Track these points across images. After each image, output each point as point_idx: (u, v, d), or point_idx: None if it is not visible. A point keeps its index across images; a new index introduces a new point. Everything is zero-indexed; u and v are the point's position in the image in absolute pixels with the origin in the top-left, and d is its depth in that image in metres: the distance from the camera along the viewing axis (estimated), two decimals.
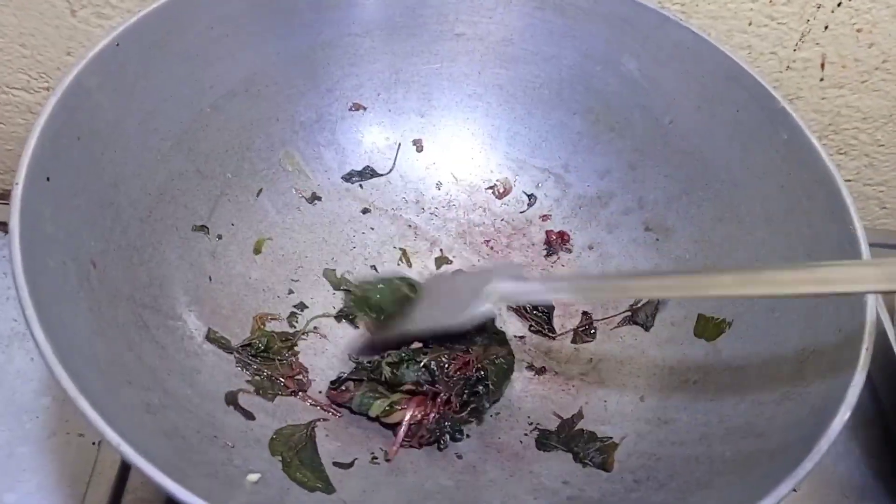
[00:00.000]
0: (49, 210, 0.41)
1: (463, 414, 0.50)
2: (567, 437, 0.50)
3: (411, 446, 0.49)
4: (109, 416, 0.33)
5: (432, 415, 0.49)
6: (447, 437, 0.50)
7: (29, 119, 0.78)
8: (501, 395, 0.53)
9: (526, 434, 0.51)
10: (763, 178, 0.52)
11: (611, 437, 0.50)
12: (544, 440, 0.50)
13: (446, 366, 0.50)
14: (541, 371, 0.55)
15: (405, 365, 0.50)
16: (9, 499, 0.53)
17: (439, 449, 0.50)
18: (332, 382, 0.52)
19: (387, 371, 0.50)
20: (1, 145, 0.80)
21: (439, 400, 0.49)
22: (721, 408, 0.47)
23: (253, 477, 0.42)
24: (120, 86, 0.48)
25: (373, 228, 0.61)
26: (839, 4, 0.68)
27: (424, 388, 0.49)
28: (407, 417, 0.49)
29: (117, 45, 0.47)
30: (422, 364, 0.50)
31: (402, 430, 0.49)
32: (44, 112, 0.42)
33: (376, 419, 0.50)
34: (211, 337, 0.50)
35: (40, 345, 0.34)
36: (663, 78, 0.58)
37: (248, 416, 0.47)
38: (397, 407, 0.49)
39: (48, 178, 0.41)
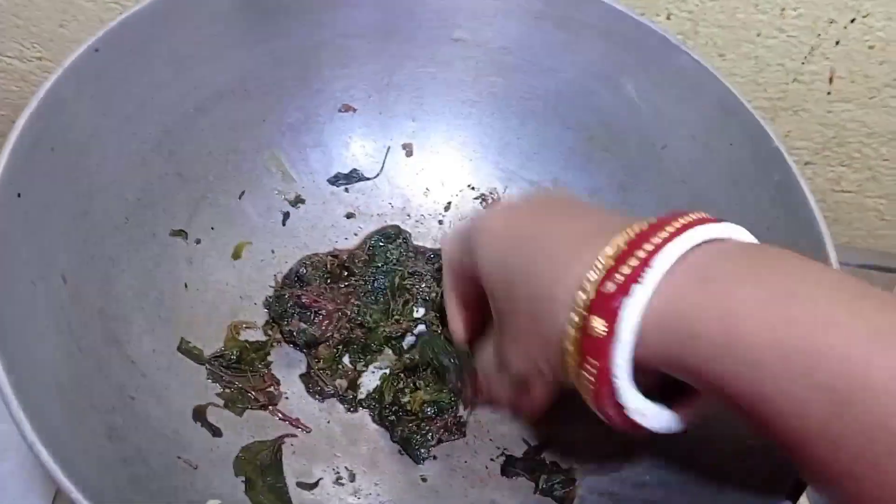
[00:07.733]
0: (19, 230, 0.40)
1: None
2: (532, 465, 0.50)
3: None
4: (67, 458, 0.34)
5: None
6: None
7: (22, 87, 0.77)
8: None
9: (492, 459, 0.51)
10: (752, 216, 0.51)
11: (575, 469, 0.50)
12: (510, 467, 0.51)
13: None
14: None
15: None
16: None
17: None
18: None
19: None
20: None
21: None
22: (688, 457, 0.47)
23: (212, 503, 0.42)
24: (98, 92, 0.46)
25: (356, 234, 0.60)
26: (853, 21, 0.66)
27: None
28: None
29: (96, 50, 0.46)
30: None
31: None
32: (15, 128, 0.41)
33: None
34: (183, 348, 0.50)
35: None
36: (661, 102, 0.56)
37: (216, 432, 0.47)
38: None
39: (19, 195, 0.40)
